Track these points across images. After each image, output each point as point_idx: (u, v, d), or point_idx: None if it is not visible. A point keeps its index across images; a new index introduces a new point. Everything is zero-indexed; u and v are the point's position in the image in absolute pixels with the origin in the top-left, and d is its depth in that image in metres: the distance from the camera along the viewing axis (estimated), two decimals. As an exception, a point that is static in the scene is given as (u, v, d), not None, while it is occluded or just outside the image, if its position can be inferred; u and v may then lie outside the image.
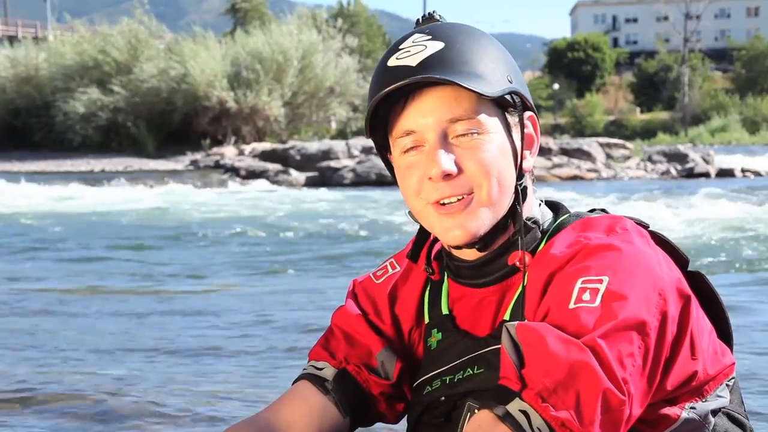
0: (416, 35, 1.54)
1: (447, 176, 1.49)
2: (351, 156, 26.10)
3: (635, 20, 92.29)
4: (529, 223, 1.56)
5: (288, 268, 8.92)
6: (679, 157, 27.46)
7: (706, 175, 26.07)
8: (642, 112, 63.11)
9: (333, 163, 25.41)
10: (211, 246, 11.06)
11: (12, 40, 44.81)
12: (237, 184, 23.77)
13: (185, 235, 12.08)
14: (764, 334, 5.19)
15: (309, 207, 17.04)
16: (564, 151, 27.00)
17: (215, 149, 31.80)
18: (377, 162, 24.75)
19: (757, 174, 26.85)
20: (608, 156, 27.68)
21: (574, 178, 24.71)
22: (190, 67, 33.43)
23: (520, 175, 1.55)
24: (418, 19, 1.60)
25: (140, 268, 8.89)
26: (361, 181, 23.88)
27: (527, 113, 1.58)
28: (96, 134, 33.97)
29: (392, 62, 1.52)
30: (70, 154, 32.71)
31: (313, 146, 27.10)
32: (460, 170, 1.50)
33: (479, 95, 1.48)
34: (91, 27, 40.98)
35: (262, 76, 33.90)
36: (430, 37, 1.52)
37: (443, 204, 1.51)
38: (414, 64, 1.49)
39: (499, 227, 1.54)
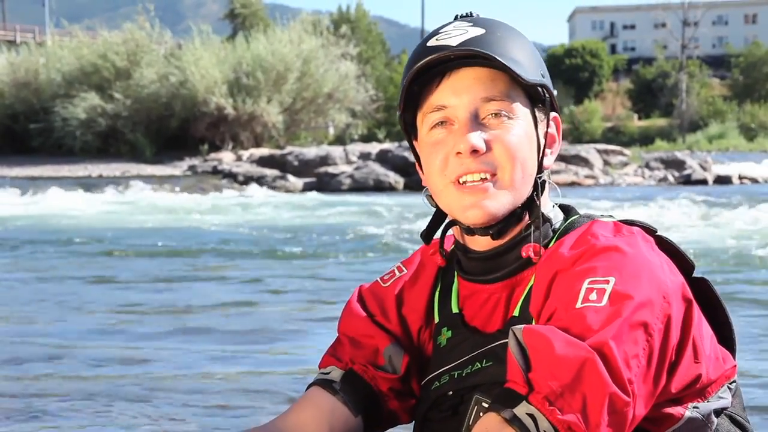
0: (458, 22, 1.59)
1: (474, 152, 1.52)
2: (349, 162, 26.12)
3: (633, 27, 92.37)
4: (544, 215, 1.60)
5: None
6: (677, 164, 27.50)
7: (704, 181, 26.10)
8: (640, 118, 63.12)
9: (331, 169, 25.42)
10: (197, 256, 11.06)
11: (10, 44, 44.78)
12: (233, 190, 23.72)
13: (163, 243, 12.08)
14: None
15: (306, 213, 17.04)
16: (561, 158, 26.92)
17: (213, 155, 31.73)
18: (375, 168, 24.77)
19: (755, 181, 26.90)
20: (606, 162, 27.69)
21: (572, 184, 24.71)
22: (189, 73, 33.38)
23: (539, 169, 1.60)
24: (456, 16, 1.64)
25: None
26: (358, 187, 23.93)
27: (553, 113, 1.63)
28: (94, 140, 33.90)
29: (432, 42, 1.56)
30: (68, 159, 32.65)
31: (311, 152, 27.10)
32: (488, 148, 1.53)
33: (514, 81, 1.53)
34: (90, 32, 40.91)
35: (263, 83, 33.89)
36: (471, 24, 1.57)
37: (464, 183, 1.54)
38: (454, 44, 1.53)
39: (515, 216, 1.57)
